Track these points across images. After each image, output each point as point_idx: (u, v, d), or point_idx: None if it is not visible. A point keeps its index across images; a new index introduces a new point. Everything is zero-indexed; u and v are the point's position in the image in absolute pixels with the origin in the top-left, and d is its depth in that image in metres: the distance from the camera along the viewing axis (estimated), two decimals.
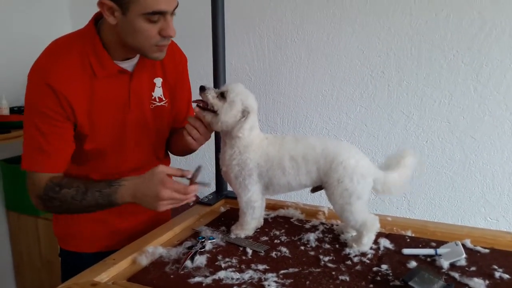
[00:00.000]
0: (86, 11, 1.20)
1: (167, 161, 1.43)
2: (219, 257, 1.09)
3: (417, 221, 1.36)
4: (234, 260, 1.08)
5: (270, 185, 1.20)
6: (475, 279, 0.97)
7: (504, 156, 1.80)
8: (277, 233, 1.25)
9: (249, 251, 1.13)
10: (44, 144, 1.11)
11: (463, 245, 1.12)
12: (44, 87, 1.08)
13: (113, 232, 1.30)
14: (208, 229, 1.26)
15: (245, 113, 1.15)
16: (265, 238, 1.21)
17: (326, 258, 1.09)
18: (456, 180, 1.89)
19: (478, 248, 1.14)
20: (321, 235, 1.23)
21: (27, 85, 1.12)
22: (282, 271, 1.03)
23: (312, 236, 1.20)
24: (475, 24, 1.74)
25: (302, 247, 1.16)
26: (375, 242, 1.15)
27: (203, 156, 2.36)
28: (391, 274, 1.02)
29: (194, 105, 1.18)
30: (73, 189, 1.12)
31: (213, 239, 1.19)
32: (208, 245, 1.15)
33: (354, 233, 1.19)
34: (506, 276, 1.00)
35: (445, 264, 1.05)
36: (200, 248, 1.12)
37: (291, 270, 1.04)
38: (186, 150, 1.37)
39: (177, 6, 1.10)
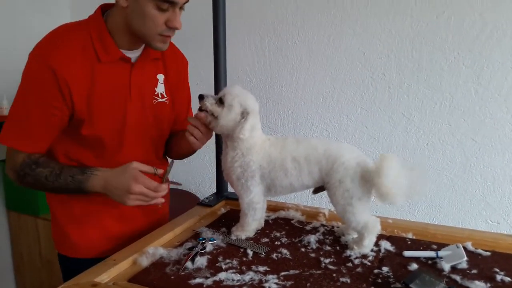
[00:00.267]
0: (87, 12, 1.20)
1: (165, 163, 1.42)
2: (220, 258, 1.09)
3: (418, 223, 1.36)
4: (234, 262, 1.08)
5: (272, 187, 1.20)
6: (477, 282, 0.97)
7: (505, 159, 1.79)
8: (278, 234, 1.25)
9: (250, 252, 1.13)
10: (27, 124, 1.12)
11: (464, 248, 1.12)
12: (44, 68, 1.08)
13: (110, 237, 1.28)
14: (208, 230, 1.26)
15: (244, 114, 1.15)
16: (266, 239, 1.21)
17: (327, 260, 1.09)
18: (457, 183, 1.88)
19: (479, 250, 1.14)
20: (321, 237, 1.23)
21: (26, 63, 1.12)
22: (282, 273, 1.03)
23: (312, 238, 1.20)
24: (476, 26, 1.74)
25: (303, 249, 1.16)
26: (376, 244, 1.15)
27: (204, 157, 2.36)
28: (392, 276, 1.02)
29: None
30: (48, 170, 1.13)
31: (214, 240, 1.19)
32: (209, 246, 1.15)
33: (355, 235, 1.19)
34: (507, 279, 1.00)
35: (446, 266, 1.04)
36: (201, 249, 1.12)
37: (291, 272, 1.04)
38: (188, 151, 1.37)
39: (187, 1, 1.12)
